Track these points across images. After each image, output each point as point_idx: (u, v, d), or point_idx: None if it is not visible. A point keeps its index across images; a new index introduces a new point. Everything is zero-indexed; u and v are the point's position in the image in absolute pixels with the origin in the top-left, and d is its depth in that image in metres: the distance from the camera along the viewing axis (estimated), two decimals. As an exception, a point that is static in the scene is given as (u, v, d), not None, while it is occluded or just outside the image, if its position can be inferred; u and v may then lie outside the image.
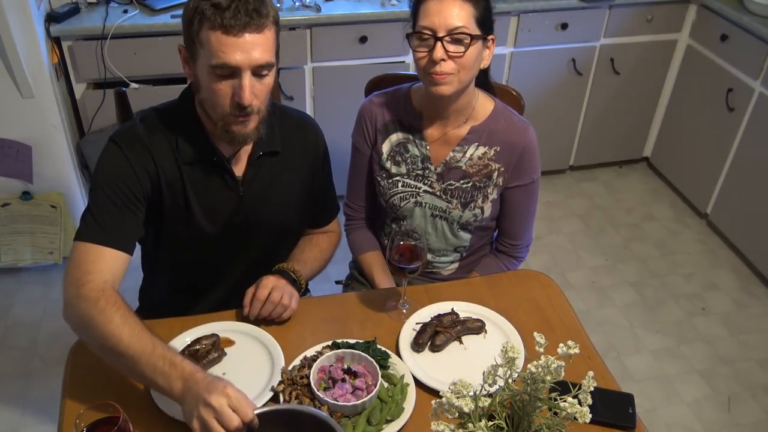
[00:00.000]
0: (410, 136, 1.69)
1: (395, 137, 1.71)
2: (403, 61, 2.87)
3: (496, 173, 1.67)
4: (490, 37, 1.55)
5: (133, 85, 2.63)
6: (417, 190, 1.70)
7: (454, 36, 1.47)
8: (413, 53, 1.54)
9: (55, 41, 2.55)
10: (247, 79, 1.31)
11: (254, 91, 1.34)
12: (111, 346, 1.24)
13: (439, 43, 1.47)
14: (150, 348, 1.22)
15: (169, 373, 1.20)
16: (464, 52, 1.49)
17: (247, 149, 1.50)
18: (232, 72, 1.31)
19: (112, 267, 1.35)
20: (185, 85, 1.49)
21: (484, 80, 1.68)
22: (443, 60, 1.48)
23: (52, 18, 2.51)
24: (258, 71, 1.33)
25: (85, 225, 1.37)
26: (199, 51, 1.32)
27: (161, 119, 1.46)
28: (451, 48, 1.48)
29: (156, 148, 1.42)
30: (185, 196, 1.46)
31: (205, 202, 1.49)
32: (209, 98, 1.36)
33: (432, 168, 1.69)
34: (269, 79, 1.37)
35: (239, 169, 1.50)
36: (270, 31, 1.32)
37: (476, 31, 1.49)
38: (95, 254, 1.34)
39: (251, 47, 1.29)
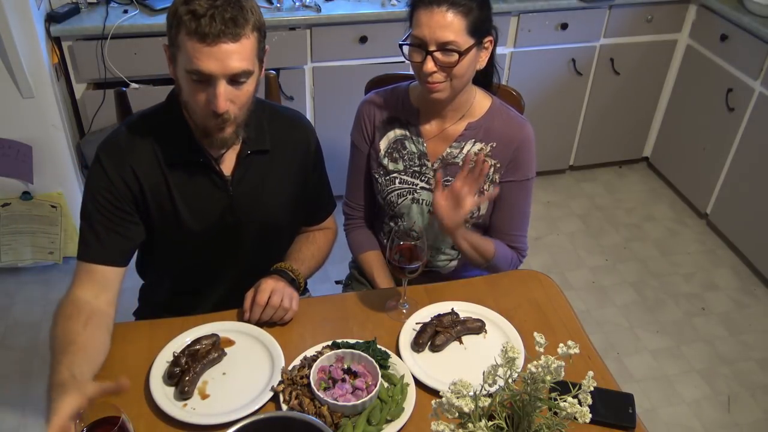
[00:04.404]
0: (407, 133, 1.69)
1: (393, 134, 1.71)
2: (403, 61, 2.83)
3: (492, 169, 1.67)
4: (486, 39, 1.55)
5: (133, 85, 2.63)
6: (414, 186, 1.70)
7: (445, 49, 1.47)
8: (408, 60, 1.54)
9: (55, 41, 2.55)
10: (222, 87, 1.30)
11: (230, 98, 1.32)
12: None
13: (429, 56, 1.48)
14: (60, 355, 1.24)
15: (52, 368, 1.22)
16: (455, 64, 1.49)
17: (235, 148, 1.49)
18: (207, 79, 1.30)
19: (99, 283, 1.41)
20: None
21: (483, 79, 1.67)
22: (434, 72, 1.49)
23: (52, 18, 2.51)
24: (234, 79, 1.31)
25: (78, 243, 1.44)
26: (178, 54, 1.32)
27: (146, 123, 1.46)
28: (442, 59, 1.48)
29: (136, 156, 1.42)
30: (171, 199, 1.46)
31: (194, 204, 1.48)
32: (188, 101, 1.37)
33: (429, 164, 1.68)
34: (249, 87, 1.35)
35: (228, 169, 1.49)
36: (248, 39, 1.29)
37: (468, 42, 1.49)
38: (84, 272, 1.42)
39: (226, 56, 1.27)
